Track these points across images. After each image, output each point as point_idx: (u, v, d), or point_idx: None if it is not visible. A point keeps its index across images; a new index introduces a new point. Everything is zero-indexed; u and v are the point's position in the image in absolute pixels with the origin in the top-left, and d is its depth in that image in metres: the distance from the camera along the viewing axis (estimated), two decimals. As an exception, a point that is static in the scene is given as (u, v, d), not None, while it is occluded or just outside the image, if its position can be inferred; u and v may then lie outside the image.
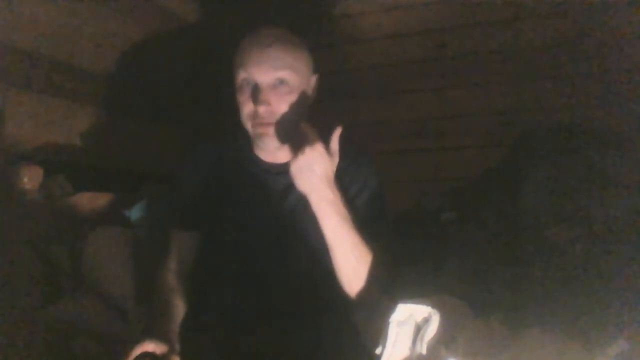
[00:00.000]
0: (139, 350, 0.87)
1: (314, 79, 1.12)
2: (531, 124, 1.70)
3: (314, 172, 0.98)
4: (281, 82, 1.03)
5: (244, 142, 1.15)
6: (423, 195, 1.79)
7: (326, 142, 1.04)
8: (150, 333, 0.92)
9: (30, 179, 1.40)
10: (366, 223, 1.05)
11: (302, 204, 1.04)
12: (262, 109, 1.02)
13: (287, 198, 1.10)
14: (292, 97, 1.05)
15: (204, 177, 1.15)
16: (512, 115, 1.76)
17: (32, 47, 1.48)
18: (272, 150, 1.10)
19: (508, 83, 1.77)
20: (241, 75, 1.05)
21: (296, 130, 1.04)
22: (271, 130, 1.05)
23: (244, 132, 1.11)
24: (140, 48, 1.79)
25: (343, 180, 1.07)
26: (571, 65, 1.67)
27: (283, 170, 1.08)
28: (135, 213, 1.51)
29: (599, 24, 1.63)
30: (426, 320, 1.13)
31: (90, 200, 1.57)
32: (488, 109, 1.80)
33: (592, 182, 1.35)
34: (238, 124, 1.11)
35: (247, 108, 1.05)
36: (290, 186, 1.07)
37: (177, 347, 0.93)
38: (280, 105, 1.04)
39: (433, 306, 1.13)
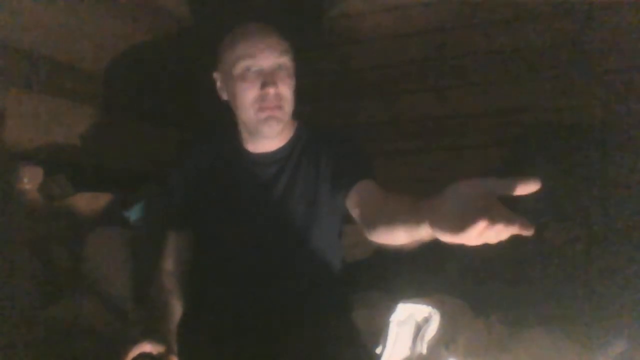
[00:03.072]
0: (137, 350, 0.87)
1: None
2: (531, 124, 1.70)
3: None
4: (280, 67, 1.08)
5: (232, 138, 1.17)
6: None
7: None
8: (148, 334, 0.92)
9: (30, 179, 1.40)
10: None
11: (290, 190, 1.10)
12: (272, 91, 1.06)
13: (277, 185, 1.12)
14: (290, 81, 1.10)
15: (196, 177, 1.17)
16: (512, 115, 1.75)
17: (32, 47, 1.48)
18: (270, 137, 1.12)
19: (508, 83, 1.77)
20: (243, 64, 1.07)
21: None
22: (278, 113, 1.07)
23: (232, 128, 1.14)
24: (140, 48, 1.79)
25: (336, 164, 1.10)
26: (571, 65, 1.67)
27: (272, 158, 1.13)
28: (135, 213, 1.51)
29: (599, 24, 1.63)
30: (426, 320, 1.13)
31: (90, 200, 1.57)
32: (488, 109, 1.79)
33: (592, 182, 1.35)
34: (229, 122, 1.13)
35: (252, 93, 1.07)
36: (278, 174, 1.11)
37: (175, 347, 0.93)
38: (284, 87, 1.08)
39: (433, 306, 1.14)
